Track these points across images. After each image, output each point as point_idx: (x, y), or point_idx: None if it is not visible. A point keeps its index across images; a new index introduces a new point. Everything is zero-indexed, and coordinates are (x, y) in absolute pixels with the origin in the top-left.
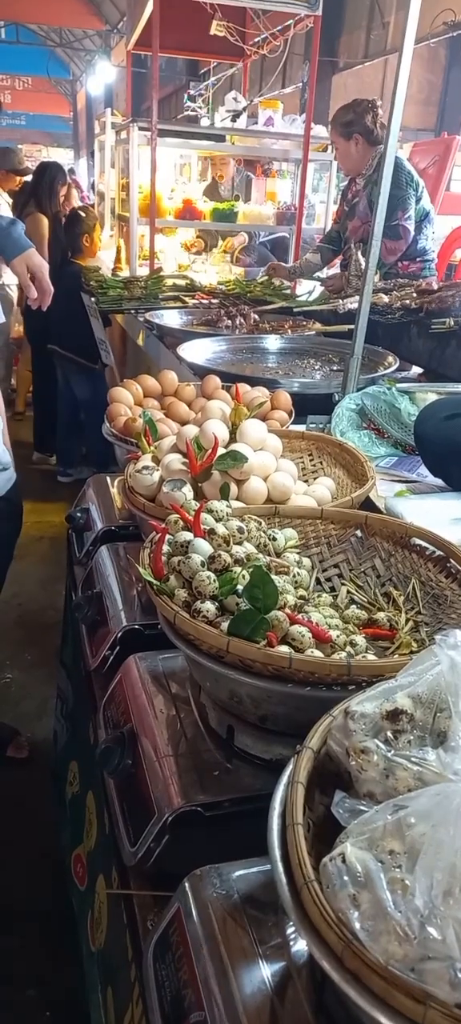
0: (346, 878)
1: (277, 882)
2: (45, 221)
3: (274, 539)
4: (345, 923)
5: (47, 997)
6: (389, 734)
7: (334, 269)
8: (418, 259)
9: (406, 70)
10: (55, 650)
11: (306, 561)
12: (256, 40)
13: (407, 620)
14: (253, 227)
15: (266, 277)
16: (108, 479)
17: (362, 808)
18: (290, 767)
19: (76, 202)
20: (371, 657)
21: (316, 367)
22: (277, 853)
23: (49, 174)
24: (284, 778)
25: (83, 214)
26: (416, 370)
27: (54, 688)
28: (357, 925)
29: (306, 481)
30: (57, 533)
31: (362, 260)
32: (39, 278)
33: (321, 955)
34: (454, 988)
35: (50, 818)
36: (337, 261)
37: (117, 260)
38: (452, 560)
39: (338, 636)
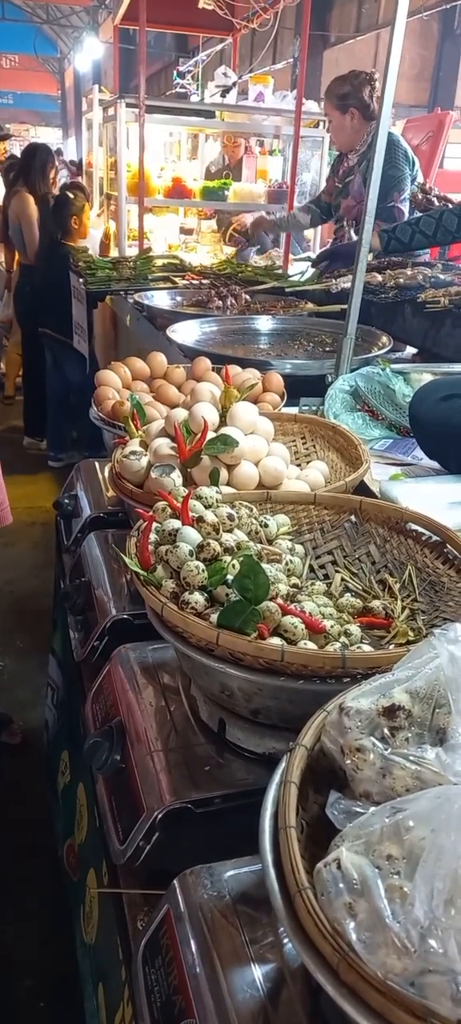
0: (341, 885)
1: (269, 889)
2: (32, 200)
3: (266, 526)
4: (341, 933)
5: (43, 987)
6: (386, 731)
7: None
8: None
9: (398, 44)
10: (47, 636)
11: (299, 548)
12: (246, 15)
13: (403, 608)
14: (244, 206)
15: (259, 259)
16: (97, 464)
17: (358, 810)
18: (282, 765)
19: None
20: (366, 648)
21: (308, 348)
22: (269, 858)
23: (40, 157)
24: (276, 777)
25: (71, 195)
26: (410, 350)
27: (46, 675)
28: (353, 936)
29: (299, 465)
30: (48, 519)
31: (355, 238)
32: None
33: (315, 967)
34: (456, 1004)
35: (44, 806)
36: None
37: (105, 249)
38: (449, 545)
39: (332, 626)
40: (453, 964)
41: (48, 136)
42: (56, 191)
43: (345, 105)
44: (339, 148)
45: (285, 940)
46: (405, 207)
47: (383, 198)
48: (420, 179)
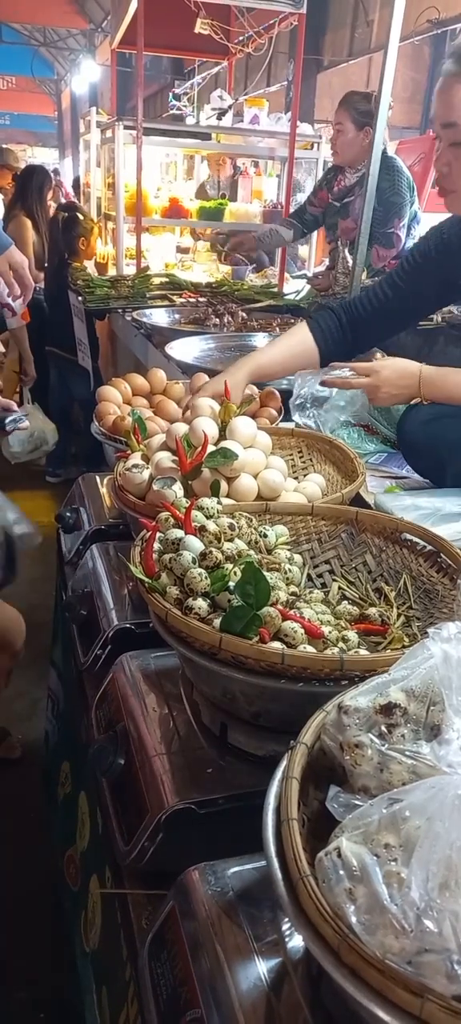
0: (342, 872)
1: (273, 878)
2: (29, 224)
3: (265, 536)
4: (341, 917)
5: (40, 998)
6: (383, 728)
7: (320, 267)
8: None
9: (391, 68)
10: (45, 650)
11: (297, 558)
12: (241, 38)
13: (399, 615)
14: (240, 225)
15: (256, 277)
16: (97, 478)
17: (357, 802)
18: (284, 763)
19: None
20: (364, 652)
21: None
22: (272, 849)
23: (37, 179)
24: (278, 774)
25: (81, 217)
26: None
27: (45, 688)
28: (353, 919)
29: (296, 478)
30: (46, 533)
31: (349, 259)
32: (21, 274)
33: (318, 950)
34: (451, 980)
35: (42, 818)
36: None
37: (102, 269)
38: (443, 555)
39: (330, 632)
40: (448, 943)
41: (45, 156)
42: (51, 208)
43: (362, 122)
44: (341, 161)
45: (287, 934)
46: (403, 233)
47: (384, 223)
48: (417, 205)
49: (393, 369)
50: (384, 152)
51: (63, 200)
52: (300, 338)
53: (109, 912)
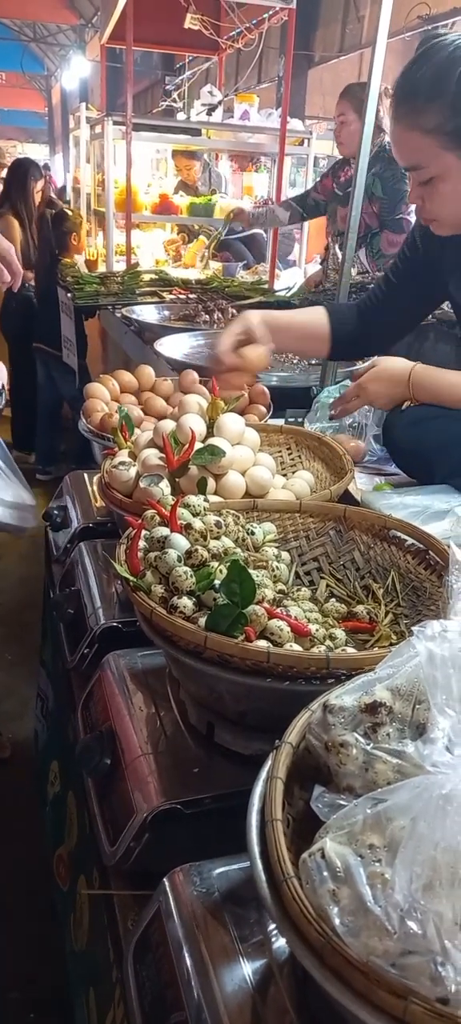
0: (326, 873)
1: (256, 879)
2: (16, 224)
3: (252, 533)
4: (325, 919)
5: (32, 998)
6: (368, 727)
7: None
8: None
9: (380, 64)
10: (36, 648)
11: (285, 555)
12: (231, 34)
13: (387, 613)
14: (231, 221)
15: (246, 274)
16: (86, 476)
17: (341, 802)
18: (269, 763)
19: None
20: (350, 650)
21: (294, 361)
22: (256, 850)
23: (21, 170)
24: (263, 774)
25: (70, 212)
26: None
27: (35, 687)
28: (337, 921)
29: (284, 475)
30: (36, 531)
31: (339, 254)
32: (9, 260)
33: (301, 952)
34: (435, 983)
35: (34, 818)
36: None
37: (91, 265)
38: (431, 552)
39: (317, 630)
40: (432, 945)
41: (35, 153)
42: (38, 200)
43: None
44: (347, 152)
45: (273, 935)
46: (412, 219)
47: (392, 210)
48: None
49: (380, 380)
50: (385, 146)
51: (53, 196)
52: (315, 317)
53: (96, 913)
